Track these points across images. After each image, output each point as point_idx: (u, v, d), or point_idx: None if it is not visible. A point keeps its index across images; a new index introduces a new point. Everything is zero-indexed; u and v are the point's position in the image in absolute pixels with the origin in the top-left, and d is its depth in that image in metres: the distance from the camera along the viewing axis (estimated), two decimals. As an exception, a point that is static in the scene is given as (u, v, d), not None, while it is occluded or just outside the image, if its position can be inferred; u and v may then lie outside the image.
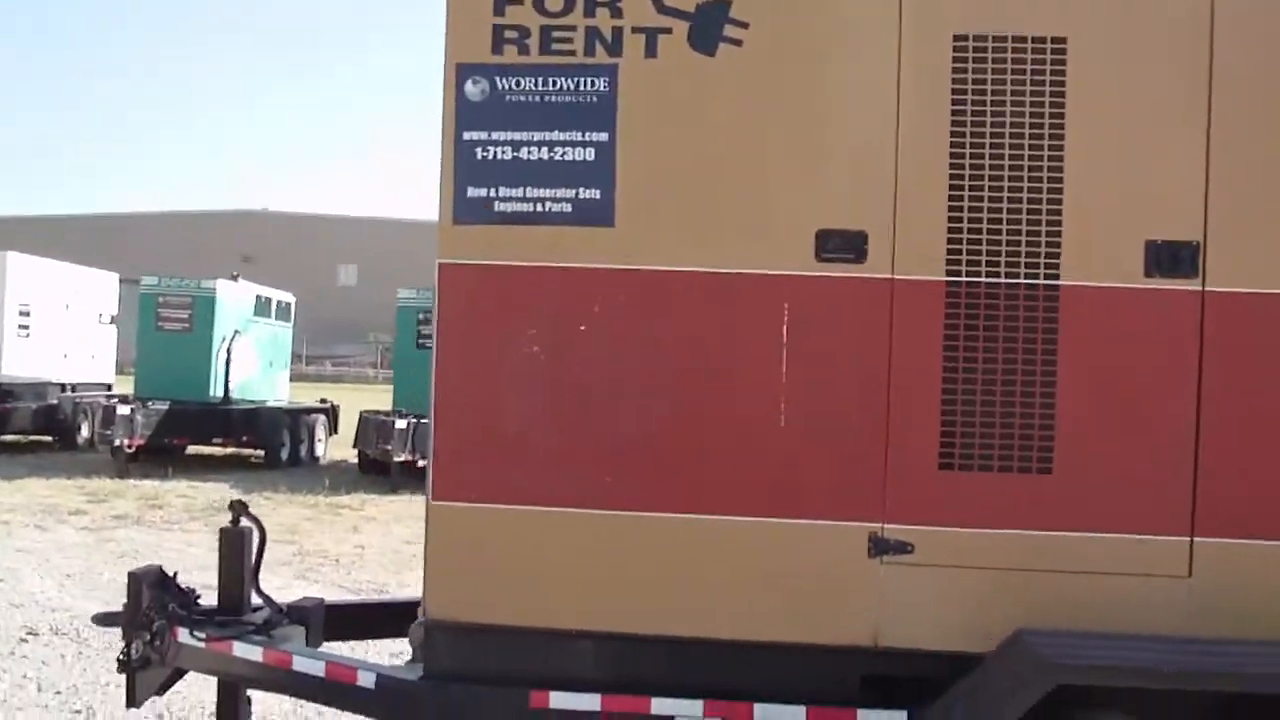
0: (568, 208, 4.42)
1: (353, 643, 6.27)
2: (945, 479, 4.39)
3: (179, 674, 5.36)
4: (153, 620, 5.19)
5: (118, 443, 17.99)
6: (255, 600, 5.46)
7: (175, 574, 5.43)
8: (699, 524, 4.44)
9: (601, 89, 4.41)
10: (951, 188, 4.36)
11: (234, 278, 20.88)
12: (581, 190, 4.42)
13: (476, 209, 4.44)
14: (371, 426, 18.74)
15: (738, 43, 4.38)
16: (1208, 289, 4.33)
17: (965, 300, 4.37)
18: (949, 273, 4.37)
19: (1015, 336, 4.37)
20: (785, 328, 4.42)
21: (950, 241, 4.37)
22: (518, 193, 4.44)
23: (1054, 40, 4.34)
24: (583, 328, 4.45)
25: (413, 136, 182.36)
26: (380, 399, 23.73)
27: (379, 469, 19.02)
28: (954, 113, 4.36)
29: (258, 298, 21.54)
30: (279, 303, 22.36)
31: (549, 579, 4.49)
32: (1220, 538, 4.32)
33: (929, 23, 4.37)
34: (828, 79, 4.43)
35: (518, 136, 4.43)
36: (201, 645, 5.08)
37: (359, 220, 75.68)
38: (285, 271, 20.28)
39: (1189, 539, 4.32)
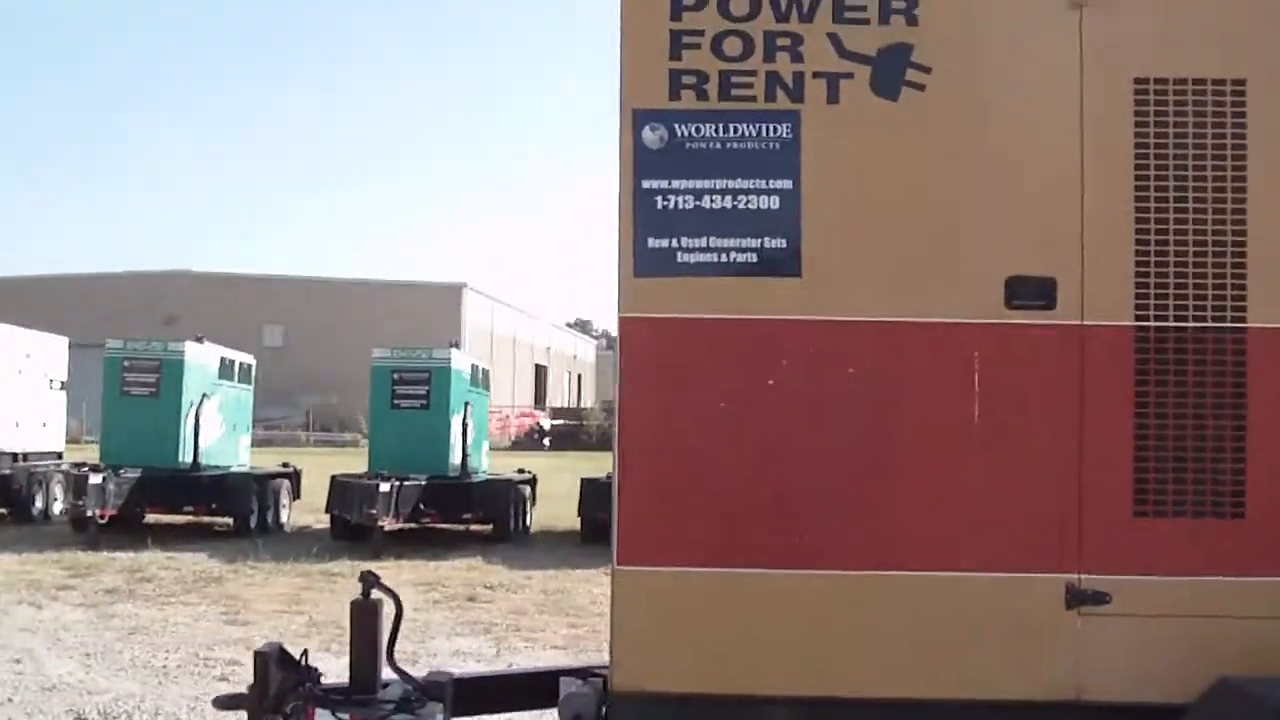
0: (753, 258, 4.36)
1: (483, 718, 6.01)
2: (1140, 526, 4.36)
3: None
4: (285, 701, 4.95)
5: (90, 513, 17.40)
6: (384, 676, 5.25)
7: (305, 652, 5.20)
8: (893, 580, 4.37)
9: (785, 135, 4.36)
10: (1137, 232, 4.37)
11: (199, 340, 20.44)
12: (767, 240, 4.36)
13: (658, 261, 4.36)
14: (352, 491, 18.33)
15: (920, 87, 4.37)
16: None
17: (1155, 345, 4.37)
18: (1137, 318, 4.37)
19: (1204, 380, 4.37)
20: (976, 377, 4.38)
21: (1138, 286, 4.37)
22: (700, 243, 4.36)
23: (1234, 82, 4.38)
24: (771, 381, 4.37)
25: (332, 189, 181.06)
26: (322, 462, 23.38)
27: (355, 534, 18.61)
28: (1137, 156, 4.38)
29: (222, 360, 21.10)
30: (241, 364, 21.93)
31: (742, 643, 4.38)
32: None
33: (1110, 67, 4.39)
34: (1011, 123, 4.43)
35: (699, 185, 4.36)
36: (343, 723, 4.85)
37: (284, 280, 74.81)
38: (209, 333, 19.76)
39: (1384, 580, 4.33)
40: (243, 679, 9.41)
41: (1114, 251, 4.38)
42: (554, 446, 57.03)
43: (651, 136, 4.38)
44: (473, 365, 22.01)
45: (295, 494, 21.91)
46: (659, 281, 4.36)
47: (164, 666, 9.91)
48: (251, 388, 22.43)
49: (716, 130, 4.38)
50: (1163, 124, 4.38)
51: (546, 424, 65.27)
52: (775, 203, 4.37)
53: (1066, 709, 4.33)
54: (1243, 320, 4.38)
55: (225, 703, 5.32)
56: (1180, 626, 4.35)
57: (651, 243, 4.37)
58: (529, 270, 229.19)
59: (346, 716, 4.83)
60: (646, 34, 4.38)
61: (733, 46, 4.38)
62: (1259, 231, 4.38)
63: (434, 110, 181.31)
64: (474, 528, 20.52)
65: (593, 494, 19.05)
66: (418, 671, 5.23)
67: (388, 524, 17.86)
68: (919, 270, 4.40)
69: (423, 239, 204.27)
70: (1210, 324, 4.37)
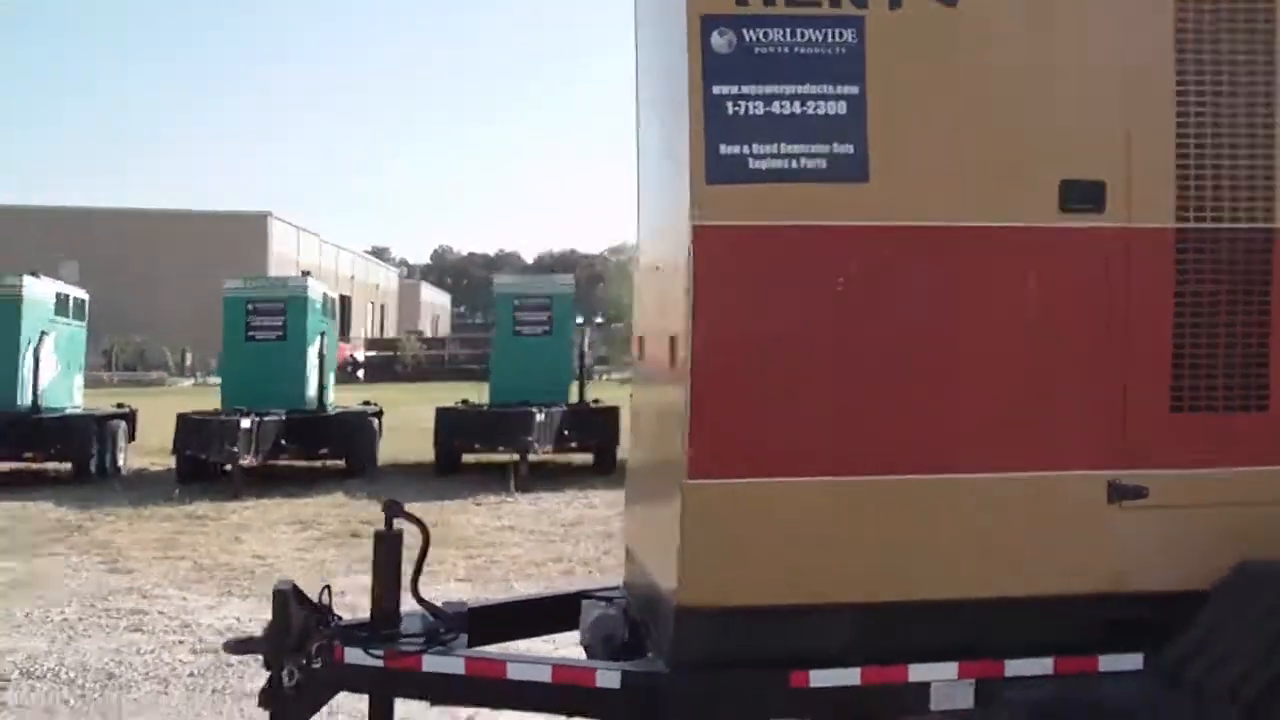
0: (822, 164, 4.41)
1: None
2: (1176, 421, 4.62)
3: (324, 699, 5.01)
4: (309, 641, 4.82)
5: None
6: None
7: (326, 588, 5.08)
8: (950, 483, 4.53)
9: (850, 41, 4.41)
10: (1178, 136, 4.58)
11: (34, 274, 19.27)
12: (835, 145, 4.41)
13: (731, 167, 4.37)
14: (209, 428, 17.67)
15: (977, -7, 4.45)
16: None
17: (1193, 247, 4.60)
18: (1178, 219, 4.60)
19: (1236, 280, 4.64)
20: (1032, 280, 4.55)
21: (1179, 190, 4.59)
22: (771, 149, 4.39)
23: (1265, -9, 4.60)
24: (840, 287, 4.44)
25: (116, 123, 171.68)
26: (139, 403, 22.49)
27: (203, 474, 17.98)
28: (1178, 63, 4.57)
29: (58, 295, 19.94)
30: (75, 299, 20.76)
31: (809, 552, 4.47)
32: None
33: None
34: (1060, 30, 4.57)
35: (768, 90, 4.38)
36: (379, 663, 4.76)
37: (78, 211, 70.85)
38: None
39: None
40: (153, 628, 9.12)
41: (1157, 155, 4.58)
42: (368, 379, 55.87)
43: (720, 41, 4.36)
44: (324, 294, 21.41)
45: (131, 435, 21.02)
46: (732, 189, 4.37)
47: (65, 620, 9.47)
48: (85, 324, 21.31)
49: (784, 35, 4.39)
50: (1199, 29, 4.58)
51: (360, 355, 63.84)
52: (843, 108, 4.42)
53: (1107, 600, 4.58)
54: (1272, 222, 4.64)
55: (238, 647, 5.15)
56: (1210, 516, 4.63)
57: (724, 149, 4.37)
58: (328, 199, 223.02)
59: (381, 652, 4.73)
60: None
61: (796, -51, 4.37)
62: (1284, 138, 4.62)
63: (236, 35, 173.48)
64: (327, 463, 20.05)
65: (448, 424, 18.75)
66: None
67: (248, 461, 17.32)
68: (979, 175, 4.52)
69: (223, 169, 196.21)
70: (1242, 225, 4.63)
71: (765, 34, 4.38)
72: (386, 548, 5.11)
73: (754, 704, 4.45)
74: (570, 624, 5.58)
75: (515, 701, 4.82)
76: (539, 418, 17.64)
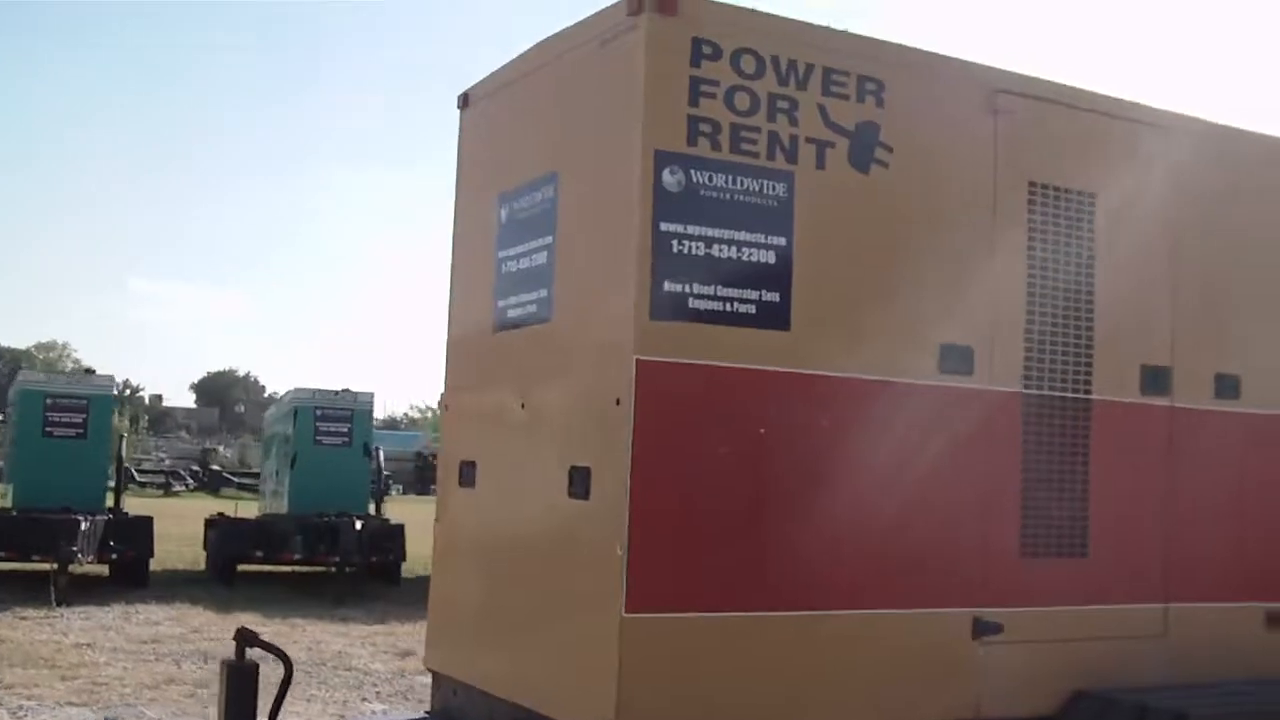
0: (752, 309, 4.72)
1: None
2: (1024, 565, 5.26)
3: None
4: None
5: None
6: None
7: None
8: (853, 619, 4.88)
9: (781, 194, 4.80)
10: (1026, 315, 5.31)
11: None
12: (764, 293, 4.74)
13: (672, 305, 4.58)
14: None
15: (884, 165, 5.01)
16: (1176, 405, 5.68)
17: (1034, 411, 5.32)
18: (1025, 385, 5.30)
19: (1064, 440, 5.39)
20: (915, 431, 5.06)
21: (1026, 359, 5.31)
22: (709, 290, 4.65)
23: (1089, 194, 5.49)
24: (762, 430, 4.73)
25: None
26: None
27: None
28: (1028, 247, 5.33)
29: None
30: None
31: (731, 684, 4.65)
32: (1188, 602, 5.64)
33: (1013, 172, 5.31)
34: (944, 211, 5.19)
35: (710, 233, 4.66)
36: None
37: None
38: None
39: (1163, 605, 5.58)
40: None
41: (1011, 324, 5.28)
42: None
43: (671, 180, 4.60)
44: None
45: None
46: (673, 325, 4.57)
47: None
48: None
49: (727, 180, 4.70)
50: (1044, 222, 5.38)
51: None
52: (772, 257, 4.77)
53: (973, 728, 5.08)
54: (1090, 392, 5.45)
55: None
56: (1050, 650, 5.27)
57: (667, 286, 4.57)
58: None
59: None
60: (669, 78, 4.61)
61: (742, 101, 4.74)
62: (1101, 320, 5.48)
63: None
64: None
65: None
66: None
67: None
68: (875, 333, 5.00)
69: None
70: (1070, 395, 5.40)
71: (710, 177, 4.67)
72: (240, 681, 4.75)
73: None
74: None
75: None
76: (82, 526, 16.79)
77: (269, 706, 4.88)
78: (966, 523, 5.15)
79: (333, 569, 17.89)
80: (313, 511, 18.83)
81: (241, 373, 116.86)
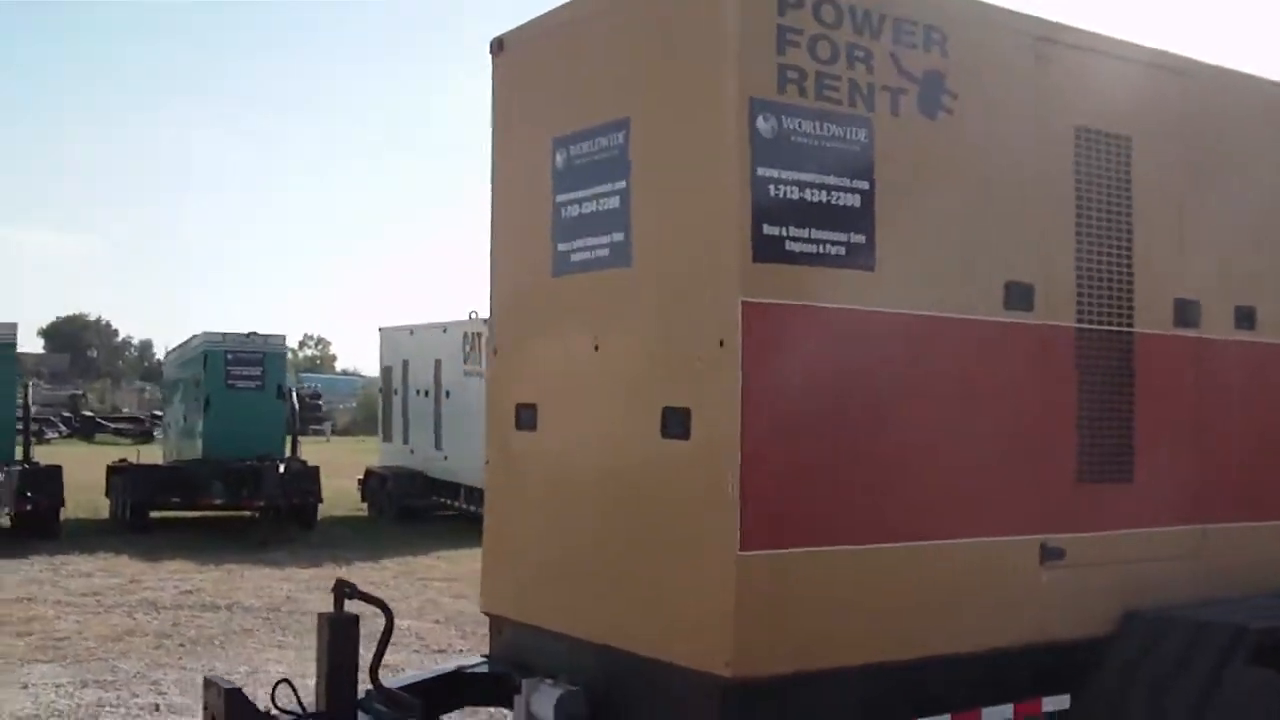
0: (842, 251, 4.86)
1: None
2: (1080, 491, 5.54)
3: None
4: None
5: None
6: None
7: (285, 681, 4.66)
8: (941, 548, 5.11)
9: (862, 140, 4.93)
10: (1076, 250, 5.56)
11: None
12: (851, 235, 4.89)
13: (771, 247, 4.69)
14: None
15: (950, 111, 5.17)
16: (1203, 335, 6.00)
17: (1086, 344, 5.58)
18: (1078, 319, 5.56)
19: (1112, 372, 5.67)
20: (985, 366, 5.28)
21: (1078, 295, 5.56)
22: (804, 233, 4.77)
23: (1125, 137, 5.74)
24: (855, 367, 4.90)
25: None
26: None
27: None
28: (1075, 188, 5.57)
29: None
30: None
31: (847, 616, 4.85)
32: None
33: (1059, 117, 5.53)
34: (1001, 155, 5.38)
35: (802, 177, 4.77)
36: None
37: None
38: None
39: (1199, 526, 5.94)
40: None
41: (1063, 263, 5.51)
42: None
43: (765, 126, 4.69)
44: None
45: None
46: (774, 268, 4.69)
47: None
48: None
49: (815, 127, 4.81)
50: (1088, 165, 5.61)
51: None
52: (857, 201, 4.90)
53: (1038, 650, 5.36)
54: (1132, 326, 5.73)
55: None
56: (1102, 572, 5.57)
57: (766, 229, 4.68)
58: None
59: None
60: (760, 27, 4.69)
61: (824, 49, 4.84)
62: (1141, 253, 5.75)
63: None
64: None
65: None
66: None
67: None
68: (949, 272, 5.19)
69: None
70: (1113, 327, 5.67)
71: (800, 124, 4.77)
72: (341, 633, 4.79)
73: None
74: (491, 698, 5.53)
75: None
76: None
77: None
78: (1032, 452, 5.40)
79: (255, 513, 17.75)
80: (229, 455, 18.57)
81: (92, 317, 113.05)
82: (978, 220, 5.28)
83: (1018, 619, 5.32)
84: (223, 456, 18.70)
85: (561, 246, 5.52)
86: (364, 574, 14.86)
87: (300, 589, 13.68)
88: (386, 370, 23.49)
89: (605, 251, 5.28)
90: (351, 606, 5.14)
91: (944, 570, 5.10)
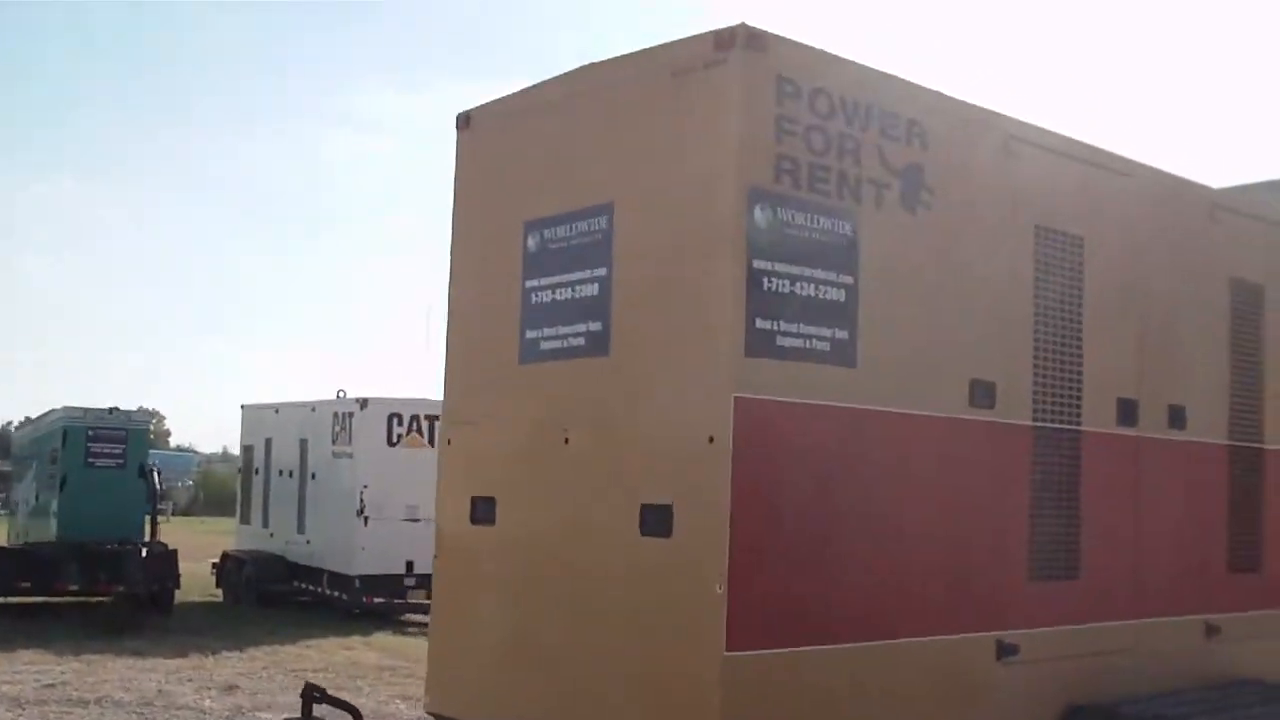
0: (826, 346, 4.85)
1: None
2: (1032, 589, 5.60)
3: None
4: None
5: None
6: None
7: None
8: (913, 646, 5.12)
9: (848, 233, 4.96)
10: (1035, 350, 5.67)
11: None
12: (836, 330, 4.89)
13: (763, 342, 4.66)
14: None
15: (928, 206, 5.24)
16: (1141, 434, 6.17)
17: (1039, 442, 5.67)
18: (1033, 417, 5.65)
19: (1062, 470, 5.77)
20: (957, 466, 5.32)
21: (1034, 392, 5.66)
22: (793, 328, 4.75)
23: (1079, 237, 5.90)
24: (837, 464, 4.88)
25: None
26: None
27: None
28: (1035, 287, 5.69)
29: None
30: None
31: (823, 713, 4.79)
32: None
33: (1023, 215, 5.66)
34: (971, 252, 5.48)
35: (793, 270, 4.76)
36: None
37: None
38: None
39: (1134, 621, 6.04)
40: None
41: (1022, 360, 5.61)
42: None
43: (761, 216, 4.69)
44: None
45: None
46: (765, 363, 4.65)
47: None
48: None
49: (807, 219, 4.83)
50: (1048, 262, 5.74)
51: None
52: (842, 295, 4.91)
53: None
54: (1079, 424, 5.84)
55: None
56: (1049, 668, 5.62)
57: (759, 323, 4.65)
58: None
59: None
60: (760, 114, 4.70)
61: (818, 140, 4.87)
62: (1090, 351, 5.89)
63: None
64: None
65: None
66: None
67: None
68: (920, 369, 5.23)
69: None
70: (1064, 425, 5.78)
71: (793, 215, 4.78)
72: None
73: None
74: None
75: None
76: None
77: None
78: (991, 549, 5.45)
79: (111, 599, 16.87)
80: (87, 537, 17.67)
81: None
82: (947, 316, 5.35)
83: (977, 713, 5.32)
84: (79, 538, 17.75)
85: (530, 334, 5.40)
86: (231, 665, 14.22)
87: (170, 681, 12.96)
88: (247, 449, 22.70)
89: (580, 340, 5.18)
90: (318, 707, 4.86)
91: (914, 667, 5.09)
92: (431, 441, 19.51)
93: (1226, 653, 6.49)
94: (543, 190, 5.48)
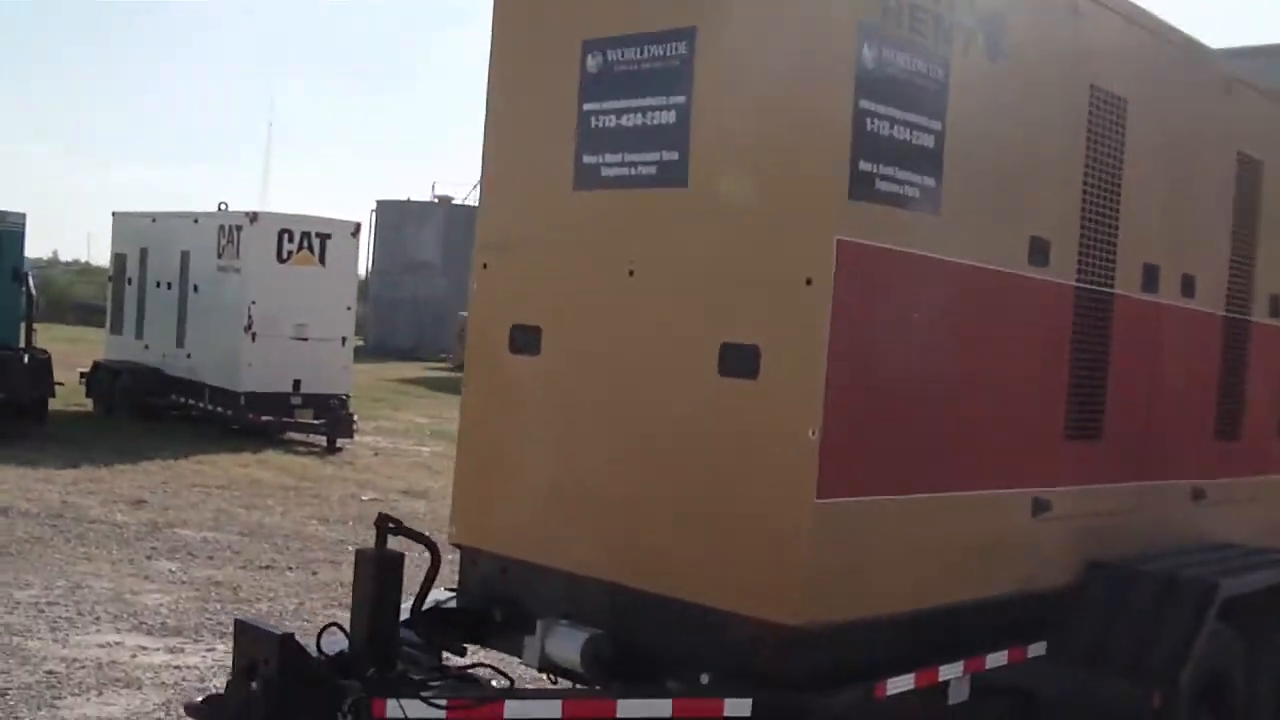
0: (916, 193, 4.73)
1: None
2: (1065, 447, 5.69)
3: None
4: (339, 698, 3.98)
5: None
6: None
7: (336, 625, 4.22)
8: (972, 498, 5.17)
9: (940, 78, 4.80)
10: (1082, 211, 5.64)
11: None
12: (925, 177, 4.76)
13: (865, 185, 4.51)
14: None
15: (1008, 57, 5.10)
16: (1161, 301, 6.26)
17: (1080, 303, 5.69)
18: (1077, 279, 5.66)
19: (1096, 332, 5.82)
20: (1017, 323, 5.31)
21: (1079, 254, 5.65)
22: (890, 171, 4.61)
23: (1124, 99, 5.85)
24: (922, 314, 4.81)
25: None
26: None
27: None
28: (1087, 147, 5.64)
29: None
30: None
31: (906, 565, 4.83)
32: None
33: (1075, 76, 5.57)
34: (1039, 107, 5.38)
35: (893, 112, 4.60)
36: (440, 714, 4.08)
37: None
38: None
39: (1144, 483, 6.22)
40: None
41: (1070, 220, 5.59)
42: None
43: (869, 55, 4.49)
44: None
45: None
46: (866, 207, 4.51)
47: None
48: None
49: (908, 61, 4.64)
50: (1100, 123, 5.69)
51: None
52: (931, 141, 4.78)
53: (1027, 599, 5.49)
54: (1112, 286, 5.88)
55: (214, 713, 4.08)
56: (1075, 525, 5.75)
57: (862, 165, 4.49)
58: None
59: (443, 702, 4.10)
60: None
61: (916, -19, 4.66)
62: (1125, 215, 5.90)
63: None
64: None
65: None
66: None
67: None
68: (990, 221, 5.16)
69: None
70: (1100, 287, 5.80)
71: (897, 56, 4.59)
72: (385, 571, 4.34)
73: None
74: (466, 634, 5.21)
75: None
76: None
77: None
78: (1037, 407, 5.49)
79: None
80: None
81: None
82: (1016, 170, 5.27)
83: (1013, 569, 5.42)
84: None
85: (588, 159, 5.13)
86: (129, 478, 13.83)
87: (71, 493, 12.53)
88: (119, 257, 21.69)
89: (651, 169, 4.94)
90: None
91: (964, 521, 5.13)
92: (323, 260, 18.98)
93: (1208, 516, 6.72)
94: (607, 8, 5.15)
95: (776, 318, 4.55)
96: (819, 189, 4.47)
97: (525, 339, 5.31)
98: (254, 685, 3.93)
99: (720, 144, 4.77)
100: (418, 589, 4.82)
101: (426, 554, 4.71)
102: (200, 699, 4.25)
